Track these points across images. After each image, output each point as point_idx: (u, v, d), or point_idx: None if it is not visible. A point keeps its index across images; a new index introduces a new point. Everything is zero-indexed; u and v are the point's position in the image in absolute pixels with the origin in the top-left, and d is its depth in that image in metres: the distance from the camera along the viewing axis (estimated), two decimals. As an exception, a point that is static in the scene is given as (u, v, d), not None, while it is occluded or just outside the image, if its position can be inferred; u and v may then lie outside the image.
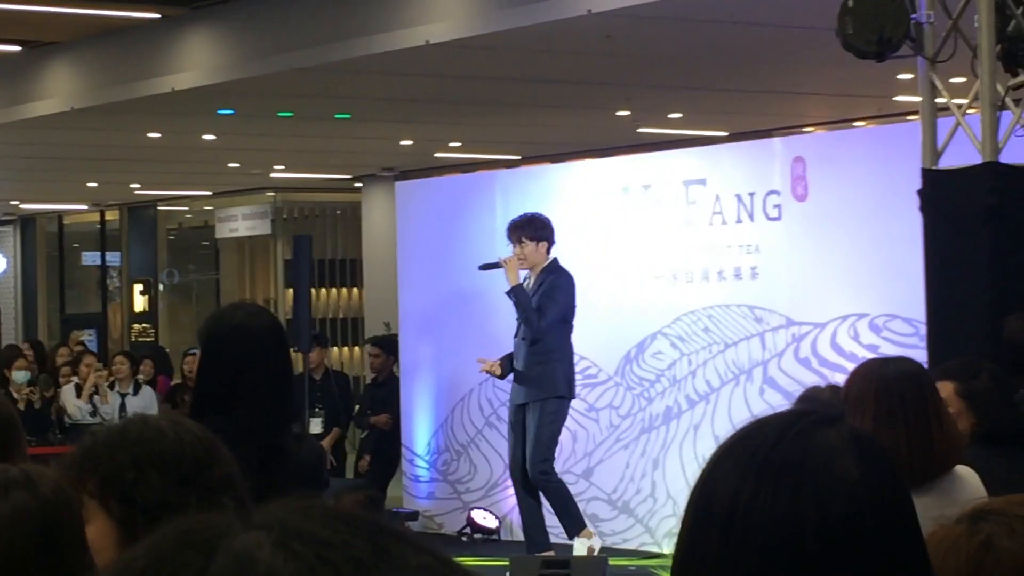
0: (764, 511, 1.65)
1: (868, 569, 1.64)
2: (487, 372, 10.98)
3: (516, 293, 10.54)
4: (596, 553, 10.34)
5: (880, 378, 4.29)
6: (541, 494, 10.66)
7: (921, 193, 7.78)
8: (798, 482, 1.66)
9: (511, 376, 10.80)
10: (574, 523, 10.68)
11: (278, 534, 0.90)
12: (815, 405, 4.39)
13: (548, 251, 10.68)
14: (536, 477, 10.48)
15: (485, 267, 10.97)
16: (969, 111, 7.90)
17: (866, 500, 1.66)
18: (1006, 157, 7.70)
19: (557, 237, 10.93)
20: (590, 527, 10.87)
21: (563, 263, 10.89)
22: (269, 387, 4.25)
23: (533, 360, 10.46)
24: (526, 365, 10.52)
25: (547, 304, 10.45)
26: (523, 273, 10.70)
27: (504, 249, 10.94)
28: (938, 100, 7.99)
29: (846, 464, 1.68)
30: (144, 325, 25.24)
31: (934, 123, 7.96)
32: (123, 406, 15.06)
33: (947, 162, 7.93)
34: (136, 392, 15.06)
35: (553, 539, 10.87)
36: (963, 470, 4.30)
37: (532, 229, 10.62)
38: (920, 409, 4.22)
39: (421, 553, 0.91)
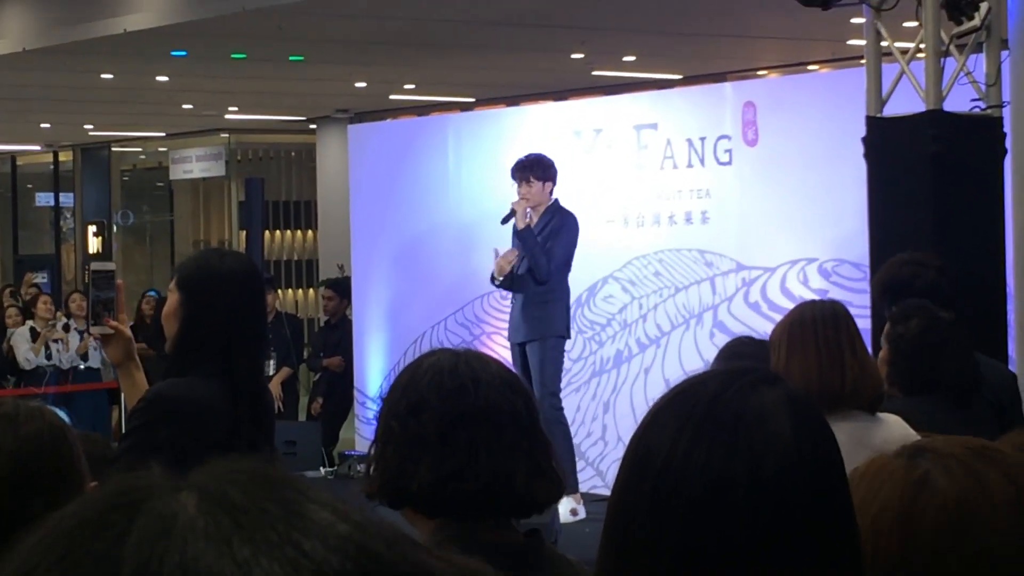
0: (698, 464, 1.67)
1: (796, 526, 1.66)
2: (502, 266, 10.53)
3: (524, 237, 10.37)
4: (578, 518, 10.24)
5: (797, 315, 4.41)
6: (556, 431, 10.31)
7: (865, 140, 7.82)
8: (733, 438, 1.69)
9: (507, 319, 10.65)
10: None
11: (200, 498, 0.92)
12: (745, 362, 4.45)
13: (551, 191, 10.55)
14: (547, 410, 10.01)
15: (505, 220, 10.61)
16: (918, 56, 7.93)
17: (798, 458, 1.68)
18: (950, 105, 7.75)
19: (507, 181, 10.85)
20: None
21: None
22: (258, 334, 4.18)
23: (536, 301, 10.34)
24: (527, 305, 10.40)
25: (554, 247, 10.36)
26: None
27: (455, 195, 10.86)
28: (884, 44, 8.02)
29: (780, 423, 1.70)
30: (98, 266, 25.11)
31: (879, 70, 7.99)
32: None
33: (895, 108, 7.97)
34: None
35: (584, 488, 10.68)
36: (889, 416, 4.35)
37: (540, 169, 10.47)
38: (832, 337, 4.30)
39: (341, 520, 0.93)
